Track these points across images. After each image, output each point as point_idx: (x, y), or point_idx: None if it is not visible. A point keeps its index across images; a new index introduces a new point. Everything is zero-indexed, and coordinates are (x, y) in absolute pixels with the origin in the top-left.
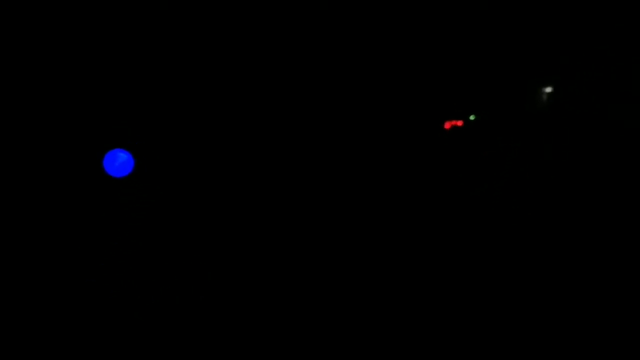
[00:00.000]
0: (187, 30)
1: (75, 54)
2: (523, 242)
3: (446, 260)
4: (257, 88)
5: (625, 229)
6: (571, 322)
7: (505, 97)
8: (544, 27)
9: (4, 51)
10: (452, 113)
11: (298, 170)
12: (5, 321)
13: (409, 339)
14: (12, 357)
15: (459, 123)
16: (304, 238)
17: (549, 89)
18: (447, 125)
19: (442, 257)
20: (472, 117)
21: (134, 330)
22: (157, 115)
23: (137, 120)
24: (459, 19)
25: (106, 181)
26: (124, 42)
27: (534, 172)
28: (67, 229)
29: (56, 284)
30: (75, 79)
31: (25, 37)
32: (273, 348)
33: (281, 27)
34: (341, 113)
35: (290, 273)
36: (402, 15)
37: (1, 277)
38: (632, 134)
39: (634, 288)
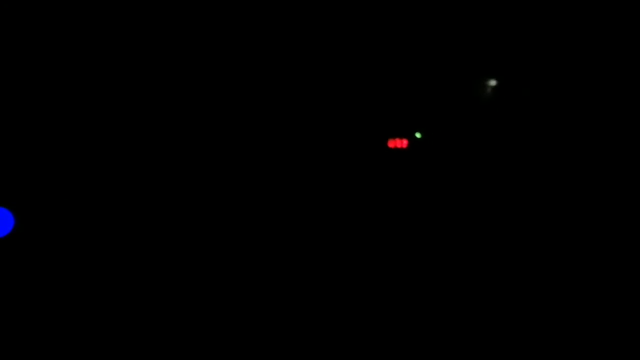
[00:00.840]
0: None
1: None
2: (522, 243)
3: (445, 261)
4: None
5: (626, 229)
6: (571, 323)
7: (505, 97)
8: (544, 26)
9: None
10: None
11: (282, 175)
12: (4, 321)
13: (403, 341)
14: (11, 357)
15: (404, 143)
16: (299, 242)
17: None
18: (391, 144)
19: (441, 258)
20: (418, 135)
21: (134, 330)
22: (153, 114)
23: (135, 119)
24: (456, 15)
25: (104, 180)
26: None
27: (532, 172)
28: (65, 228)
29: (55, 284)
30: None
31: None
32: (273, 348)
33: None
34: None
35: (287, 275)
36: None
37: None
38: (632, 134)
39: (634, 289)
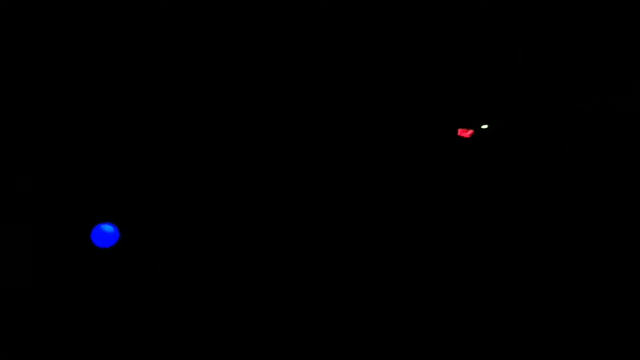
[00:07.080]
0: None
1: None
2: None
3: (449, 263)
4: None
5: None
6: (571, 326)
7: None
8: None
9: None
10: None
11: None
12: (4, 322)
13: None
14: (11, 357)
15: (468, 133)
16: (301, 243)
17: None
18: (461, 133)
19: (445, 259)
20: (484, 127)
21: (133, 331)
22: (152, 113)
23: (133, 119)
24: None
25: (104, 181)
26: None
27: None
28: (65, 229)
29: (54, 284)
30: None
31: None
32: (273, 348)
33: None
34: (342, 115)
35: (287, 275)
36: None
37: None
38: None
39: (633, 289)
